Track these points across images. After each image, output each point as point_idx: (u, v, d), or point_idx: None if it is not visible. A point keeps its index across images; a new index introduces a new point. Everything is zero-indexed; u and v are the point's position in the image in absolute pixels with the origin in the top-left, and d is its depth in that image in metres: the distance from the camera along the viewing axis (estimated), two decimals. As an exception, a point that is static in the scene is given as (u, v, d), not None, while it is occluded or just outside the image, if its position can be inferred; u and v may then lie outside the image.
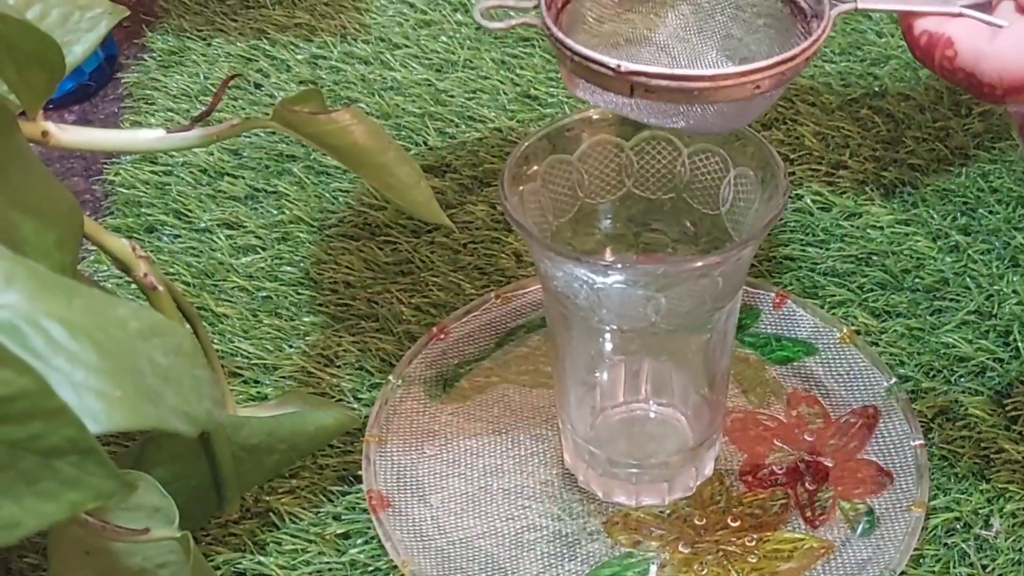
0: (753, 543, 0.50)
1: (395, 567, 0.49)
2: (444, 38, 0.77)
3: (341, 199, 0.66)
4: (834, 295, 0.60)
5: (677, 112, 0.44)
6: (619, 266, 0.48)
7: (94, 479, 0.27)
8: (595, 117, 0.50)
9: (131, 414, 0.29)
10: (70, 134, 0.43)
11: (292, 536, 0.51)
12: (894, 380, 0.55)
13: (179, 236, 0.65)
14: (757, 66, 0.43)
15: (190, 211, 0.66)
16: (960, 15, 0.46)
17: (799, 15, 0.47)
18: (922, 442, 0.52)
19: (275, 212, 0.66)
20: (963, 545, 0.50)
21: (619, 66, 0.42)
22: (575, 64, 0.44)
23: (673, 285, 0.46)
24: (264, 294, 0.62)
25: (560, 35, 0.44)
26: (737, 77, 0.42)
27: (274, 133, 0.69)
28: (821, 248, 0.63)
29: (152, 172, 0.69)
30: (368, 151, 0.45)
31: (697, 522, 0.51)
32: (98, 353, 0.29)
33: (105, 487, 0.28)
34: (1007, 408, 0.54)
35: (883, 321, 0.59)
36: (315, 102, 0.44)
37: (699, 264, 0.45)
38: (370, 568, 0.50)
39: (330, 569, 0.50)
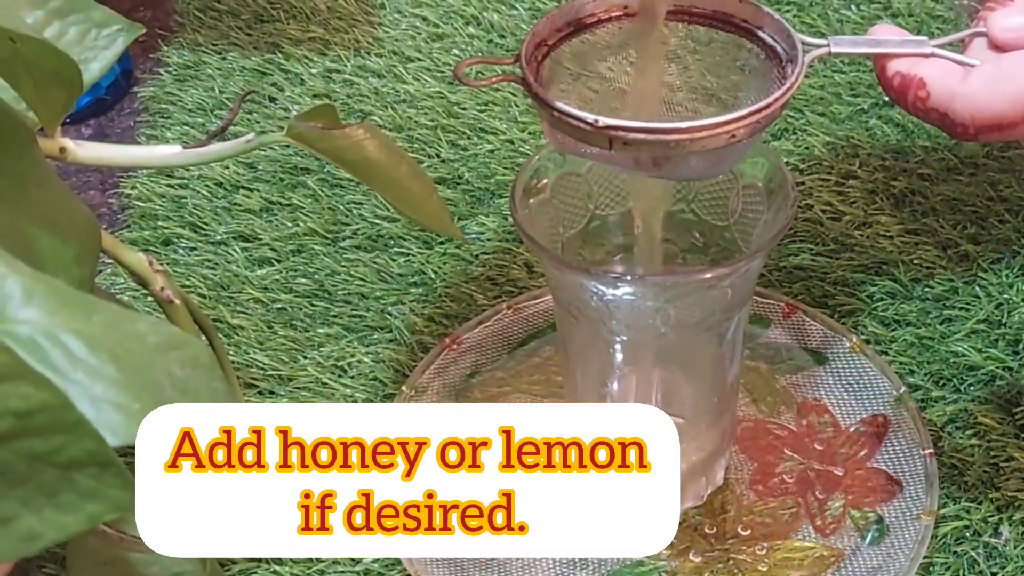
0: (763, 552, 0.50)
1: (409, 576, 0.50)
2: (456, 51, 0.77)
3: (354, 211, 0.67)
4: (844, 304, 0.60)
5: (656, 162, 0.44)
6: (629, 278, 0.49)
7: (112, 491, 0.28)
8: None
9: (149, 427, 0.29)
10: (87, 150, 0.44)
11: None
12: (904, 389, 0.55)
13: (195, 249, 0.66)
14: (732, 116, 0.42)
15: (206, 224, 0.67)
16: (932, 55, 0.46)
17: (775, 60, 0.47)
18: (932, 451, 0.52)
19: (289, 225, 0.67)
20: (972, 553, 0.50)
21: (597, 121, 0.42)
22: (554, 119, 0.44)
23: (682, 296, 0.46)
24: (279, 306, 0.62)
25: (539, 91, 0.44)
26: (713, 128, 0.42)
27: (288, 146, 0.70)
28: (831, 258, 0.63)
29: (168, 185, 0.69)
30: (381, 165, 0.45)
31: (708, 531, 0.51)
32: (117, 367, 0.29)
33: (123, 499, 0.28)
34: (1017, 417, 0.55)
35: (893, 330, 0.59)
36: (328, 117, 0.44)
37: (708, 275, 0.45)
38: (384, 577, 0.51)
39: (345, 578, 0.51)
